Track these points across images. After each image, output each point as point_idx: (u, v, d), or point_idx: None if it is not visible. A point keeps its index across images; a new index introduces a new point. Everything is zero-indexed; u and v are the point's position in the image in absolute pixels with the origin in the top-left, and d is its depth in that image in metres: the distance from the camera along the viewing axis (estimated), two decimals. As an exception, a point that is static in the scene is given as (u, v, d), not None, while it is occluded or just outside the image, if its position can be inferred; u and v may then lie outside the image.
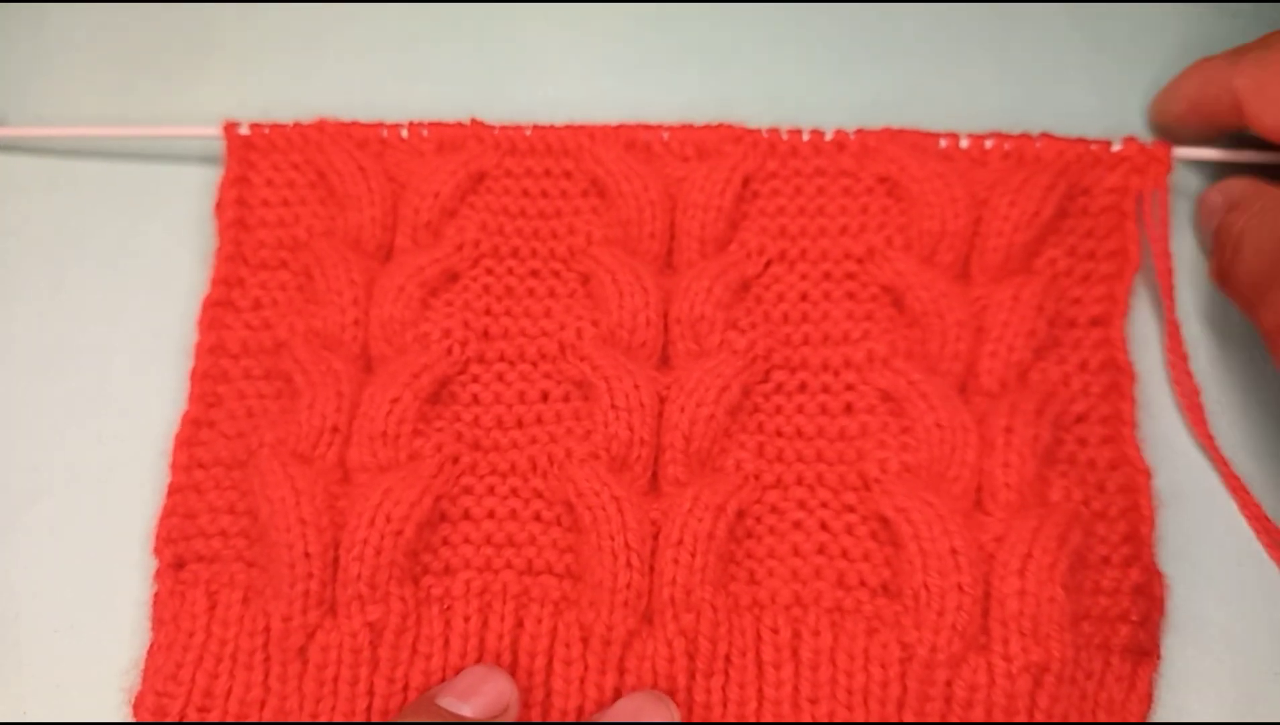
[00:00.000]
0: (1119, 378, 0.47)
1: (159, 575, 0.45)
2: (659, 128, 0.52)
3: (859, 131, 0.51)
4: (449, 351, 0.47)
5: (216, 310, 0.49)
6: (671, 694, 0.42)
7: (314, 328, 0.48)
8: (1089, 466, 0.45)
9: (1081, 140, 0.50)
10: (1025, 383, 0.46)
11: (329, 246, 0.50)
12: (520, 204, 0.51)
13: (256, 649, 0.43)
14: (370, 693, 0.42)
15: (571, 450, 0.45)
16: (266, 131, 0.53)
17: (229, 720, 0.42)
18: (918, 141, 0.50)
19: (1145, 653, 0.43)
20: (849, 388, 0.47)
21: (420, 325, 0.48)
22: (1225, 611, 0.45)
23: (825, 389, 0.47)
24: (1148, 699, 0.42)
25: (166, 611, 0.44)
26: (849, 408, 0.47)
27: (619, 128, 0.52)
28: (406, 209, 0.50)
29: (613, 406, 0.45)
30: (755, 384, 0.47)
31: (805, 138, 0.51)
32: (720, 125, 0.52)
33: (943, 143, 0.51)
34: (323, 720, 0.42)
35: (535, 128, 0.53)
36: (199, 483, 0.47)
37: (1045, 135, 0.50)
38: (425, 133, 0.53)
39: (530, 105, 0.55)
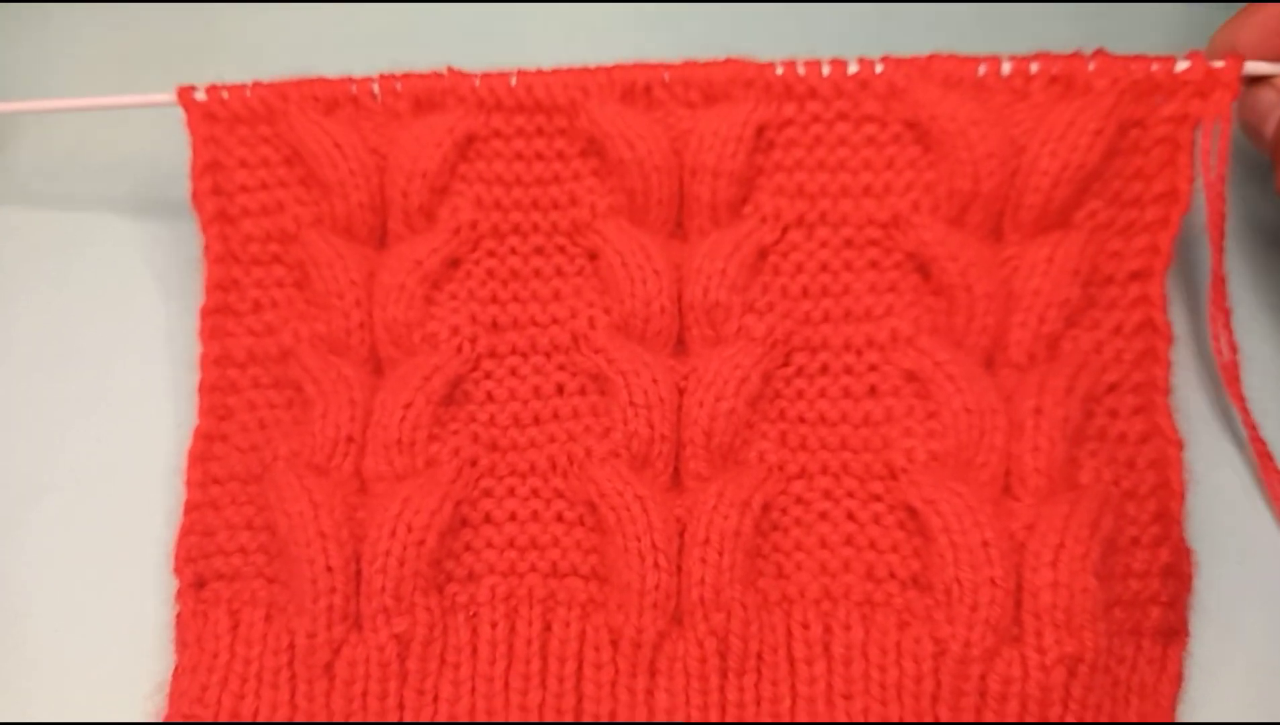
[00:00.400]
0: (1155, 341, 0.44)
1: (181, 596, 0.45)
2: (659, 67, 0.47)
3: (886, 62, 0.46)
4: (459, 349, 0.45)
5: (216, 318, 0.47)
6: (704, 693, 0.42)
7: (318, 332, 0.46)
8: (1119, 441, 0.44)
9: (1141, 58, 0.44)
10: (1056, 352, 0.44)
11: (321, 241, 0.47)
12: (515, 170, 0.47)
13: (282, 667, 0.43)
14: (400, 706, 0.42)
15: (591, 449, 0.44)
16: (225, 96, 0.48)
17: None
18: (953, 71, 0.45)
19: (1175, 632, 0.42)
20: (872, 368, 0.45)
21: (427, 324, 0.46)
22: (1225, 607, 0.44)
23: (848, 370, 0.45)
24: (1178, 679, 0.42)
25: (190, 633, 0.44)
26: (873, 390, 0.45)
27: (613, 71, 0.46)
28: (394, 191, 0.47)
29: (631, 403, 0.44)
30: (775, 369, 0.45)
31: (825, 72, 0.46)
32: (728, 61, 0.46)
33: (982, 69, 0.45)
34: None
35: (520, 76, 0.47)
36: (215, 499, 0.45)
37: (1100, 53, 0.45)
38: (399, 87, 0.48)
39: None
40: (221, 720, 0.43)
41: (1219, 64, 0.44)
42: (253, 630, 0.44)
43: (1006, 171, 0.44)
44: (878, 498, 0.43)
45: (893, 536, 0.43)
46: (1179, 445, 0.44)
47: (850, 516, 0.44)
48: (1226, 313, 0.46)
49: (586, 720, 0.42)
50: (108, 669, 0.45)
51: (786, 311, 0.45)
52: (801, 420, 0.45)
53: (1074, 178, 0.44)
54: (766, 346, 0.44)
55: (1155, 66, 0.44)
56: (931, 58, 0.45)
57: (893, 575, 0.43)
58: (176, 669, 0.44)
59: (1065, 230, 0.45)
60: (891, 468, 0.43)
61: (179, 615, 0.44)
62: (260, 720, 0.43)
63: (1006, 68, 0.45)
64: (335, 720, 0.42)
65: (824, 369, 0.45)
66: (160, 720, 0.43)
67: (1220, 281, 0.45)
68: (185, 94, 0.48)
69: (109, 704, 0.45)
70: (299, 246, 0.47)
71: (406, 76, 0.48)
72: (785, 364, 0.45)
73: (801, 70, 0.46)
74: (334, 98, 0.48)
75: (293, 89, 0.48)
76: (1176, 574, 0.42)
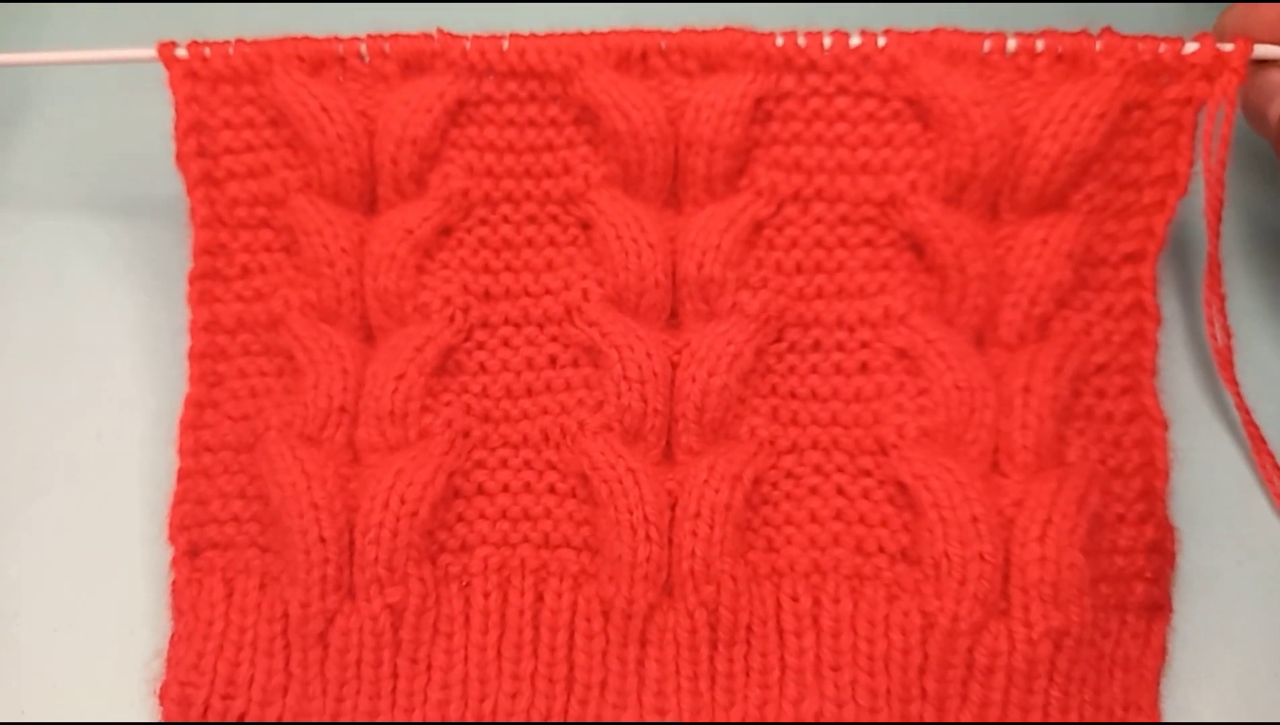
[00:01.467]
0: (1144, 322, 0.45)
1: (175, 563, 0.45)
2: (656, 34, 0.46)
3: (890, 35, 0.45)
4: (451, 319, 0.45)
5: (204, 283, 0.46)
6: (694, 663, 0.42)
7: (309, 300, 0.46)
8: (1106, 420, 0.44)
9: (1149, 38, 0.44)
10: (1046, 332, 0.45)
11: (310, 207, 0.46)
12: (507, 136, 0.46)
13: (276, 635, 0.43)
14: (395, 674, 0.42)
15: (584, 422, 0.44)
16: (207, 54, 0.46)
17: (253, 708, 0.43)
18: (957, 46, 0.44)
19: (1159, 607, 0.43)
20: (864, 345, 0.45)
21: (419, 294, 0.45)
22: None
23: (840, 347, 0.45)
24: (1162, 653, 0.43)
25: (185, 600, 0.44)
26: (864, 367, 0.45)
27: (609, 38, 0.45)
28: (383, 157, 0.46)
29: (625, 377, 0.43)
30: (768, 344, 0.45)
31: (827, 44, 0.45)
32: (727, 30, 0.45)
33: (986, 45, 0.45)
34: (345, 720, 0.42)
35: (512, 40, 0.46)
36: (208, 467, 0.45)
37: (1107, 32, 0.44)
38: (387, 48, 0.46)
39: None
40: (218, 686, 0.43)
41: (1227, 47, 0.44)
42: (247, 599, 0.44)
43: (1006, 153, 0.44)
44: (868, 473, 0.44)
45: (882, 511, 0.43)
46: (1164, 425, 0.44)
47: (840, 491, 0.44)
48: (1221, 298, 0.46)
49: (578, 689, 0.42)
50: (106, 667, 0.45)
51: (780, 287, 0.45)
52: (793, 395, 0.45)
53: (1074, 161, 0.43)
54: (760, 322, 0.44)
55: (1163, 48, 0.44)
56: (936, 31, 0.45)
57: (882, 549, 0.43)
58: (173, 636, 0.44)
59: (1061, 212, 0.45)
60: (882, 443, 0.44)
61: (174, 583, 0.44)
62: (255, 686, 0.43)
63: (1011, 44, 0.45)
64: (330, 687, 0.42)
65: (816, 345, 0.45)
66: (159, 686, 0.43)
67: (1216, 267, 0.45)
68: (166, 50, 0.47)
69: (106, 701, 0.45)
70: (287, 212, 0.46)
71: (394, 37, 0.47)
72: (778, 340, 0.45)
73: (802, 41, 0.45)
74: (320, 58, 0.46)
75: (276, 48, 0.46)
76: (1161, 550, 0.43)
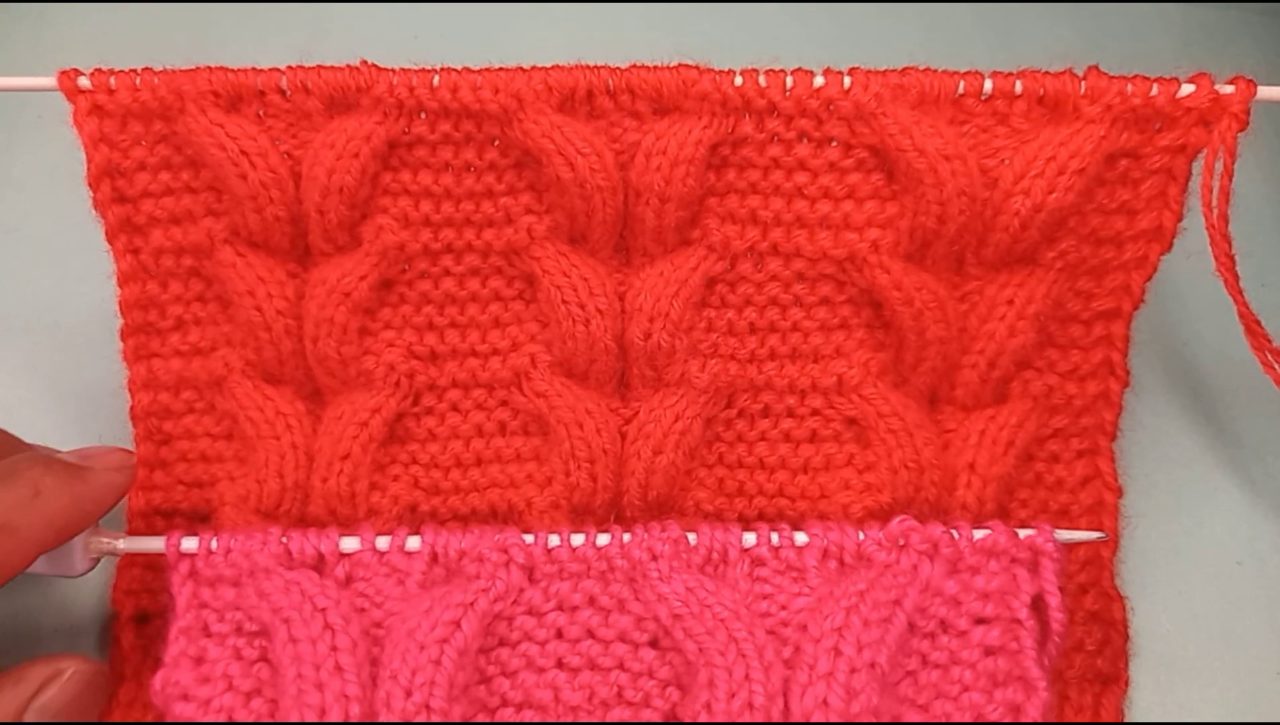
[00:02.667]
0: (1110, 384, 0.43)
1: (121, 628, 0.44)
2: (603, 71, 0.42)
3: (855, 75, 0.41)
4: (396, 386, 0.43)
5: (139, 338, 0.44)
6: None
7: (250, 360, 0.44)
8: (1055, 487, 0.44)
9: (1140, 79, 0.40)
10: (1005, 394, 0.43)
11: (239, 263, 0.43)
12: (443, 183, 0.43)
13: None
14: None
15: (532, 501, 0.43)
16: (113, 85, 0.42)
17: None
18: (929, 89, 0.40)
19: (1107, 680, 0.43)
20: (814, 413, 0.44)
21: (362, 360, 0.43)
22: (1225, 611, 0.45)
23: (790, 413, 0.44)
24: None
25: (129, 667, 0.44)
26: (814, 435, 0.44)
27: (551, 75, 0.41)
28: (309, 205, 0.42)
29: (574, 457, 0.43)
30: (717, 413, 0.44)
31: (789, 85, 0.41)
32: (680, 68, 0.42)
33: (961, 87, 0.41)
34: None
35: (444, 76, 0.42)
36: (160, 532, 0.45)
37: (1093, 72, 0.40)
38: (309, 84, 0.42)
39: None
40: None
41: (1227, 89, 0.40)
42: None
43: (975, 210, 0.40)
44: None
45: None
46: (1117, 492, 0.43)
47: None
48: (1272, 347, 0.41)
49: None
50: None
51: (731, 352, 0.43)
52: (740, 464, 0.44)
53: (1048, 220, 0.40)
54: (709, 395, 0.43)
55: (1155, 90, 0.40)
56: (906, 72, 0.41)
57: None
58: (114, 700, 0.44)
59: (1032, 269, 0.42)
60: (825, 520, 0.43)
61: (117, 646, 0.44)
62: None
63: (988, 86, 0.41)
64: None
65: (765, 411, 0.44)
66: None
67: (1254, 322, 0.41)
68: (67, 80, 0.43)
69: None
70: (215, 266, 0.44)
71: (318, 70, 0.42)
72: (727, 406, 0.44)
73: (763, 81, 0.41)
74: (237, 93, 0.42)
75: (188, 81, 0.42)
76: (1104, 620, 0.43)
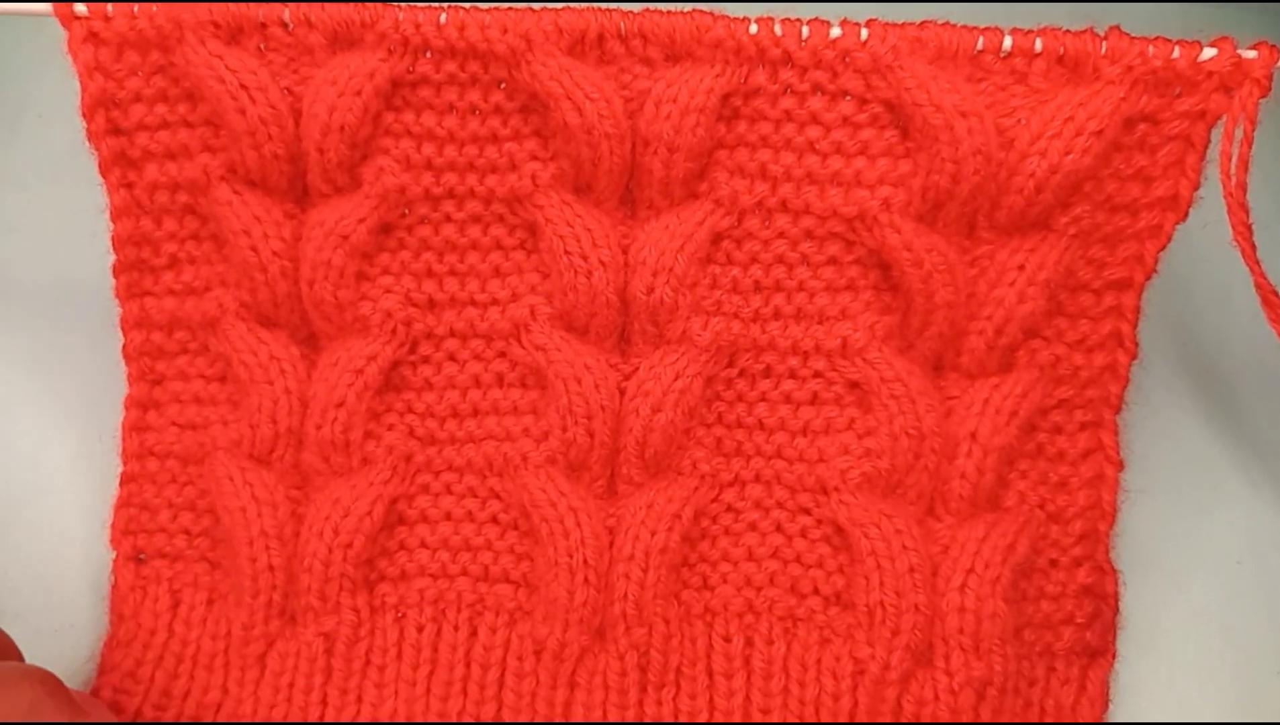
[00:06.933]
0: (1118, 356, 0.42)
1: (118, 567, 0.44)
2: (615, 14, 0.41)
3: (873, 27, 0.40)
4: (393, 333, 0.43)
5: (131, 275, 0.44)
6: (622, 708, 0.42)
7: (244, 301, 0.43)
8: (1056, 458, 0.43)
9: (1162, 40, 0.39)
10: (1010, 363, 0.42)
11: (236, 201, 0.42)
12: (447, 125, 0.42)
13: (218, 652, 0.43)
14: (323, 702, 0.43)
15: (528, 455, 0.43)
16: (110, 13, 0.41)
17: (189, 719, 0.43)
18: (947, 44, 0.39)
19: (1095, 653, 0.43)
20: (817, 375, 0.43)
21: (359, 305, 0.42)
22: (1225, 607, 0.45)
23: (792, 374, 0.43)
24: (1101, 699, 0.43)
25: (126, 606, 0.44)
26: (815, 397, 0.43)
27: (561, 16, 0.40)
28: (309, 144, 0.41)
29: (571, 412, 0.42)
30: (718, 371, 0.43)
31: (804, 35, 0.40)
32: (694, 14, 0.41)
33: (980, 43, 0.40)
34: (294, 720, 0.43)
35: (451, 13, 0.41)
36: (154, 474, 0.44)
37: (1115, 32, 0.39)
38: (313, 18, 0.41)
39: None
40: (152, 696, 0.43)
41: (1250, 54, 0.39)
42: (193, 613, 0.44)
43: (990, 170, 0.40)
44: (806, 511, 0.43)
45: (819, 552, 0.43)
46: (1118, 465, 0.43)
47: (779, 528, 0.43)
48: None
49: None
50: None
51: (735, 310, 0.42)
52: (739, 424, 0.43)
53: (1063, 182, 0.40)
54: (710, 353, 0.42)
55: (1177, 52, 0.39)
56: (924, 25, 0.40)
57: (816, 591, 0.43)
58: (110, 640, 0.44)
59: (1044, 234, 0.41)
60: (824, 484, 0.42)
61: (116, 587, 0.44)
62: (190, 700, 0.43)
63: (1007, 43, 0.40)
64: (260, 709, 0.42)
65: (767, 371, 0.43)
66: (90, 690, 0.44)
67: (1272, 293, 0.40)
68: (63, 8, 0.42)
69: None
70: (211, 204, 0.42)
71: (321, 4, 0.41)
72: (729, 365, 0.43)
73: (778, 30, 0.40)
74: (238, 24, 0.41)
75: (187, 11, 0.41)
76: (1096, 593, 0.43)
